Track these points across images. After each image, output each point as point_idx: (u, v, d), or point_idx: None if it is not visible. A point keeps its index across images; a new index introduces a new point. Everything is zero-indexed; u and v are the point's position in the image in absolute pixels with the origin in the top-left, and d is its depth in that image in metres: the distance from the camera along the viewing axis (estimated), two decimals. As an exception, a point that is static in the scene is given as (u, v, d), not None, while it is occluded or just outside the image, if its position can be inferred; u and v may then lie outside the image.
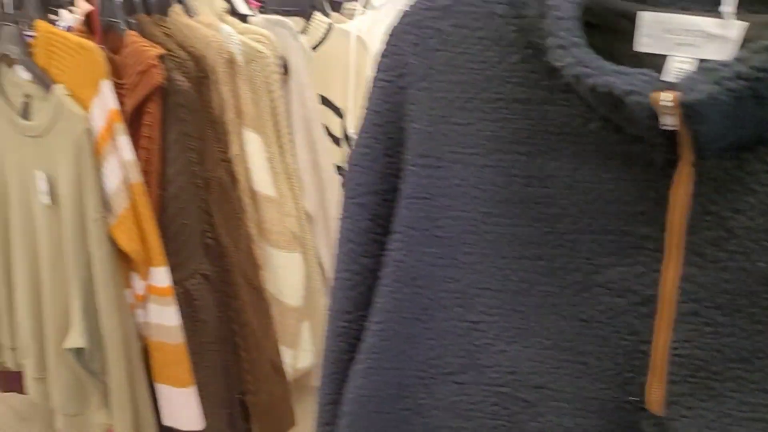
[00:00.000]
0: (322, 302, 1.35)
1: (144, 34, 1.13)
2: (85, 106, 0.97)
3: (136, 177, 0.99)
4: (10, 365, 1.32)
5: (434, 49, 0.49)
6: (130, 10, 1.17)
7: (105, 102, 0.95)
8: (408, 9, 0.51)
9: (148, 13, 1.19)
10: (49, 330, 1.12)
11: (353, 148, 0.56)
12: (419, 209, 0.51)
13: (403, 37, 0.50)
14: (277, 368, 1.26)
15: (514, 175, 0.46)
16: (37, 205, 1.08)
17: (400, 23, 0.51)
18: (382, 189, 0.54)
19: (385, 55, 0.52)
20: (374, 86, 0.53)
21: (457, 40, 0.48)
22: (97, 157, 0.97)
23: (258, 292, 1.21)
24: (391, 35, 0.52)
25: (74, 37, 0.96)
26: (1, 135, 1.09)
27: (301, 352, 1.30)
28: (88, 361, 1.05)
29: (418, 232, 0.51)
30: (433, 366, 0.53)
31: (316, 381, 1.42)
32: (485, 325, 0.50)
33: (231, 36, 1.12)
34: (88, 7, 1.21)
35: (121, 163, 0.98)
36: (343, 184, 0.56)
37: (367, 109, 0.54)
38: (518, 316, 0.48)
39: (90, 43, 0.95)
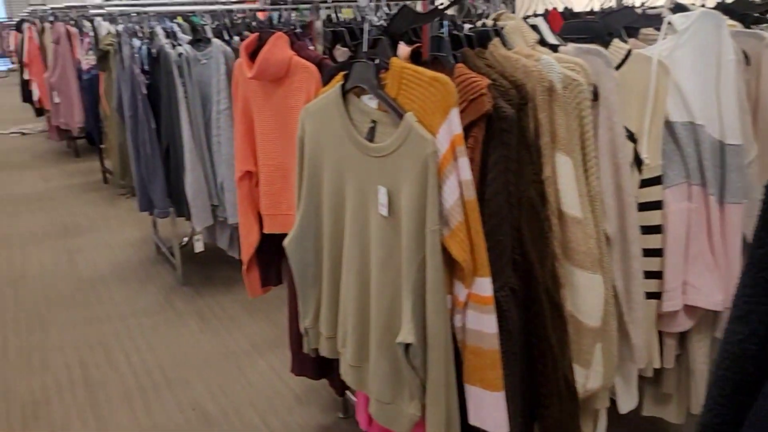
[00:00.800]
0: (614, 325, 1.35)
1: (468, 65, 1.25)
2: (432, 131, 1.10)
3: (470, 194, 1.10)
4: (325, 353, 1.53)
5: None
6: (455, 44, 1.31)
7: (451, 127, 1.08)
8: None
9: (471, 46, 1.32)
10: (374, 325, 1.27)
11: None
12: None
13: None
14: (570, 385, 1.28)
15: None
16: (373, 215, 1.24)
17: None
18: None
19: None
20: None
21: None
22: (439, 175, 1.09)
23: (558, 309, 1.26)
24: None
25: (428, 72, 1.10)
26: (345, 153, 1.28)
27: (593, 373, 1.31)
28: (411, 356, 1.18)
29: None
30: None
31: (600, 403, 1.42)
32: None
33: (552, 66, 1.19)
34: (407, 48, 1.38)
35: (459, 182, 1.09)
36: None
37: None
38: None
39: (444, 77, 1.08)
